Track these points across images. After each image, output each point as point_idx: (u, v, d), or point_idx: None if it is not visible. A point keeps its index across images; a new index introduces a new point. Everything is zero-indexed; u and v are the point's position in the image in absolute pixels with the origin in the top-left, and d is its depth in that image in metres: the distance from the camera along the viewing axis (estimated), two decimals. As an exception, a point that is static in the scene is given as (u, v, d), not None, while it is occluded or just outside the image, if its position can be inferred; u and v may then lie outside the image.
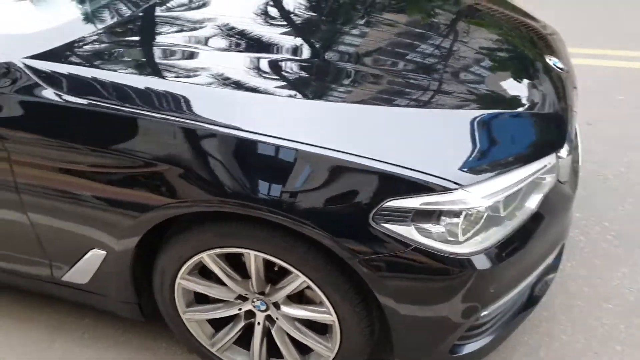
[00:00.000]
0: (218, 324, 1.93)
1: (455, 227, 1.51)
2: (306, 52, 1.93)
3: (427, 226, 1.50)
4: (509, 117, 1.76)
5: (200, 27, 2.04)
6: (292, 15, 2.20)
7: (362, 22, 2.19)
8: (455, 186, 1.49)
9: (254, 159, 1.54)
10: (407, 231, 1.49)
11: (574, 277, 2.34)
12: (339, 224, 1.50)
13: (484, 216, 1.55)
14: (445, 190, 1.48)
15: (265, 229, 1.59)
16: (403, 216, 1.48)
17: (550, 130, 1.79)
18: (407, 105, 1.70)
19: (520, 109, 1.80)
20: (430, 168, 1.50)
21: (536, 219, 1.68)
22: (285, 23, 2.15)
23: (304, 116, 1.62)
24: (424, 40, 2.07)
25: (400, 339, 1.68)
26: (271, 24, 2.10)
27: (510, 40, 2.20)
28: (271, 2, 2.27)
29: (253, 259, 1.66)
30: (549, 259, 1.84)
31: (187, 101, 1.63)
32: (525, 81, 1.96)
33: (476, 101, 1.79)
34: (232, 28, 2.02)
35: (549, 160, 1.68)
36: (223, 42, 1.94)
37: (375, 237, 1.49)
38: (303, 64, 1.86)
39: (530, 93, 1.90)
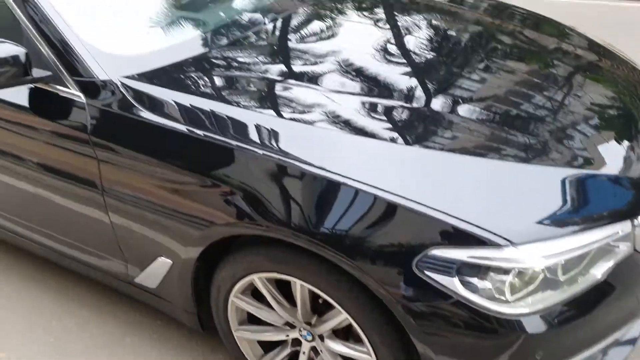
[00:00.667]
0: (267, 347, 1.96)
1: (503, 285, 1.45)
2: (416, 96, 1.91)
3: (473, 280, 1.45)
4: (584, 177, 1.65)
5: (315, 60, 2.10)
6: (411, 54, 2.21)
7: (480, 66, 2.15)
8: (506, 242, 1.43)
9: (314, 194, 1.57)
10: (450, 282, 1.44)
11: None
12: (382, 266, 1.50)
13: (539, 277, 1.47)
14: (495, 245, 1.43)
15: (313, 260, 1.61)
16: (448, 266, 1.44)
17: (629, 196, 1.66)
18: (483, 156, 1.67)
19: (599, 171, 1.69)
20: (483, 220, 1.45)
21: (603, 288, 1.56)
22: (403, 61, 2.16)
23: (380, 160, 1.63)
24: (536, 91, 2.00)
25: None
26: (389, 61, 2.13)
27: (622, 99, 2.06)
28: (393, 40, 2.30)
29: (299, 288, 1.69)
30: (619, 334, 1.69)
31: (276, 135, 1.70)
32: (620, 143, 1.84)
33: (557, 157, 1.70)
34: (350, 64, 2.06)
35: (622, 227, 1.56)
36: (335, 78, 1.98)
37: (417, 283, 1.46)
38: (409, 107, 1.86)
39: (619, 156, 1.78)
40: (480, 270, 1.44)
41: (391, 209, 1.49)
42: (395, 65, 2.11)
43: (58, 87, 1.92)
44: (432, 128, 1.79)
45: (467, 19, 2.61)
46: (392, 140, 1.69)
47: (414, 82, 2.00)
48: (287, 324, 1.84)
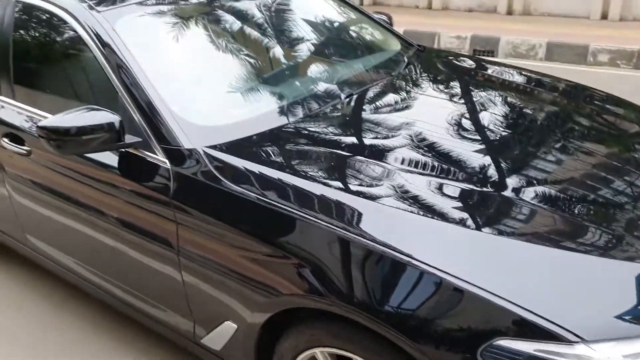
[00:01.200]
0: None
1: (570, 383, 1.41)
2: (488, 176, 1.92)
3: (540, 375, 1.42)
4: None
5: (388, 134, 2.16)
6: (485, 131, 2.23)
7: (556, 147, 2.14)
8: (578, 339, 1.39)
9: (379, 272, 1.60)
10: (515, 375, 1.42)
11: None
12: (445, 351, 1.49)
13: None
14: (566, 341, 1.40)
15: (375, 339, 1.61)
16: (514, 358, 1.42)
17: None
18: (557, 245, 1.65)
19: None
20: (553, 313, 1.43)
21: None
22: (476, 138, 2.18)
23: (449, 242, 1.64)
24: (614, 176, 1.98)
25: None
26: (462, 137, 2.15)
27: None
28: (467, 115, 2.34)
29: (362, 366, 1.69)
30: None
31: (345, 210, 1.75)
32: None
33: (638, 250, 1.66)
34: (422, 139, 2.11)
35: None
36: (407, 154, 2.02)
37: (480, 373, 1.44)
38: (481, 188, 1.86)
39: None
40: (547, 366, 1.41)
41: (457, 294, 1.49)
42: (468, 143, 2.13)
43: (146, 152, 2.06)
44: (504, 211, 1.79)
45: (544, 98, 2.62)
46: (462, 222, 1.70)
47: (487, 161, 2.01)
48: (348, 399, 1.83)
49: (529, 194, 1.84)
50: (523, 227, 1.74)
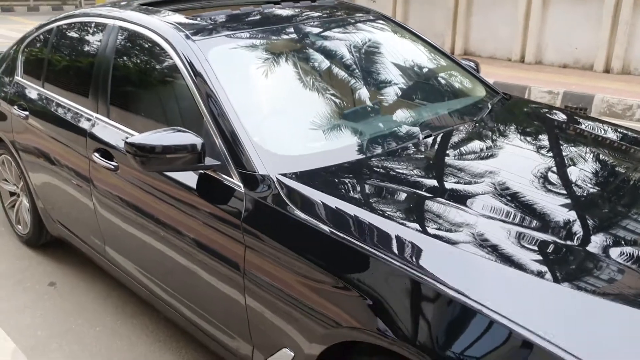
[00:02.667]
0: None
1: None
2: (570, 231, 1.84)
3: None
4: None
5: (470, 179, 2.12)
6: (572, 185, 2.16)
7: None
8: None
9: (446, 316, 1.56)
10: None
11: None
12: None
13: None
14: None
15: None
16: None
17: None
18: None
19: None
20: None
21: None
22: (563, 192, 2.11)
23: (523, 293, 1.58)
24: None
25: None
26: (547, 190, 2.09)
27: None
28: (554, 169, 2.27)
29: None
30: None
31: (416, 250, 1.73)
32: None
33: None
34: (506, 188, 2.06)
35: None
36: (491, 202, 1.97)
37: None
38: (562, 242, 1.78)
39: None
40: None
41: (527, 347, 1.43)
42: (554, 196, 2.05)
43: (223, 175, 2.13)
44: (585, 267, 1.70)
45: (638, 157, 2.50)
46: (538, 274, 1.64)
47: (572, 215, 1.92)
48: None
49: (613, 252, 1.75)
50: (603, 285, 1.65)
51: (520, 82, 7.90)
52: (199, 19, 2.68)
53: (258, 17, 2.85)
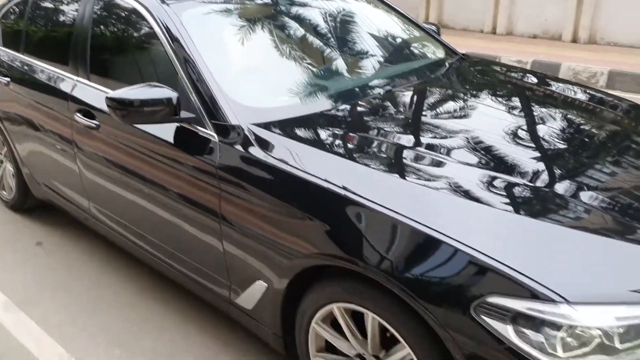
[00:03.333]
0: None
1: (555, 340, 1.54)
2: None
3: (527, 331, 1.56)
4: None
5: (427, 125, 2.37)
6: (540, 140, 2.33)
7: (609, 160, 2.23)
8: (561, 299, 1.53)
9: (396, 237, 1.78)
10: (503, 329, 1.56)
11: None
12: (444, 307, 1.65)
13: (594, 341, 1.54)
14: (550, 301, 1.54)
15: (385, 296, 1.79)
16: (503, 314, 1.57)
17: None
18: (555, 222, 1.80)
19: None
20: (542, 276, 1.57)
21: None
22: (532, 145, 2.28)
23: (458, 213, 1.81)
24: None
25: None
26: (518, 144, 2.26)
27: None
28: (524, 126, 2.47)
29: (371, 320, 1.87)
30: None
31: (372, 185, 1.93)
32: None
33: (624, 229, 1.79)
34: (458, 131, 2.27)
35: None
36: (441, 142, 2.20)
37: (473, 326, 1.60)
38: (489, 171, 2.01)
39: None
40: (535, 323, 1.55)
41: (456, 256, 1.65)
42: (525, 149, 2.23)
43: (198, 127, 2.32)
44: (505, 190, 1.93)
45: (604, 116, 2.71)
46: (486, 203, 1.84)
47: (538, 166, 2.09)
48: (359, 356, 2.01)
49: (527, 176, 1.99)
50: (521, 203, 1.89)
51: (491, 53, 8.10)
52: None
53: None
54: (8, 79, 3.47)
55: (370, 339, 1.92)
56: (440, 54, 3.22)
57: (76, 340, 2.69)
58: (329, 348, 2.12)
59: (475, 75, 3.12)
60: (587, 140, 2.38)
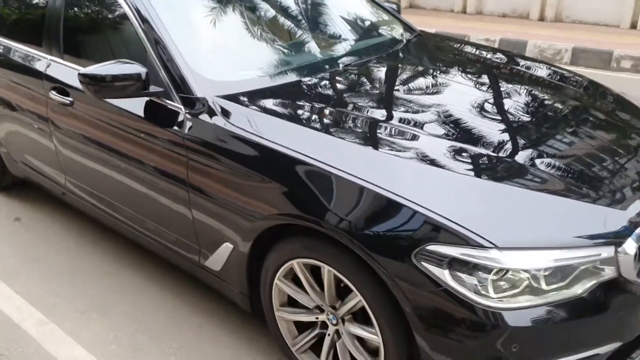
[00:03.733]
0: (300, 329, 2.32)
1: (486, 282, 1.73)
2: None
3: (462, 275, 1.75)
4: (578, 203, 1.94)
5: (382, 96, 2.58)
6: (507, 114, 2.52)
7: (568, 130, 2.41)
8: (491, 245, 1.72)
9: (346, 195, 1.96)
10: (441, 273, 1.76)
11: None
12: (389, 256, 1.83)
13: (524, 283, 1.75)
14: (482, 247, 1.73)
15: (338, 249, 1.97)
16: (440, 260, 1.76)
17: (615, 225, 1.89)
18: (490, 178, 2.02)
19: (600, 202, 1.97)
20: (476, 226, 1.76)
21: (584, 305, 1.80)
22: (498, 118, 2.49)
23: (396, 169, 2.01)
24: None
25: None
26: (485, 117, 2.46)
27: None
28: (491, 100, 2.66)
29: (327, 272, 2.05)
30: (597, 351, 1.88)
31: (325, 149, 2.11)
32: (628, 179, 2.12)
33: (559, 186, 2.00)
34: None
35: (604, 251, 1.80)
36: (392, 112, 2.42)
37: (415, 272, 1.79)
38: (427, 132, 2.23)
39: (625, 191, 2.05)
40: (468, 267, 1.74)
41: (402, 212, 1.84)
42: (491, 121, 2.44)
43: (166, 100, 2.46)
44: (446, 152, 2.12)
45: (566, 92, 2.88)
46: (421, 159, 2.06)
47: (502, 137, 2.28)
48: (318, 307, 2.19)
49: (461, 136, 2.22)
50: (460, 163, 2.08)
51: (460, 32, 8.29)
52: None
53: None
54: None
55: (327, 290, 2.10)
56: (398, 31, 3.38)
57: (56, 307, 2.84)
58: (291, 302, 2.30)
59: (428, 50, 3.32)
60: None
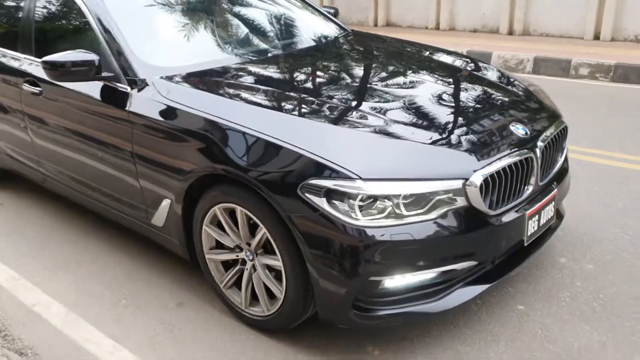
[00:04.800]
0: (227, 268, 2.73)
1: (354, 206, 2.16)
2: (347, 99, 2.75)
3: (336, 202, 2.18)
4: (434, 147, 2.39)
5: (310, 81, 3.08)
6: (391, 83, 2.89)
7: (435, 93, 2.92)
8: (356, 177, 2.16)
9: (249, 148, 2.40)
10: (320, 201, 2.19)
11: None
12: (281, 193, 2.27)
13: (387, 209, 2.18)
14: (349, 178, 2.16)
15: (247, 192, 2.40)
16: (319, 191, 2.19)
17: (463, 163, 2.33)
18: (357, 127, 2.49)
19: (455, 146, 2.41)
20: (346, 163, 2.20)
21: (437, 226, 2.23)
22: (382, 86, 3.04)
23: (285, 123, 2.48)
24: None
25: (318, 295, 2.30)
26: (371, 85, 3.01)
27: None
28: (380, 73, 3.03)
29: (240, 213, 2.48)
30: (455, 266, 2.30)
31: (239, 112, 2.57)
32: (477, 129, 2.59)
33: (419, 135, 2.46)
34: (335, 84, 3.01)
35: (453, 184, 2.24)
36: (312, 91, 2.92)
37: (299, 202, 2.22)
38: (308, 97, 2.71)
39: (475, 137, 2.51)
40: (340, 195, 2.17)
41: (289, 155, 2.28)
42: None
43: (117, 83, 2.92)
44: (314, 108, 2.60)
45: (441, 66, 3.42)
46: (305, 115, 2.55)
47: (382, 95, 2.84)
48: (237, 247, 2.61)
49: (342, 97, 2.76)
50: (330, 115, 2.58)
51: (429, 45, 8.78)
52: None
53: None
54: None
55: (241, 228, 2.52)
56: (331, 29, 3.87)
57: (26, 266, 3.28)
58: (218, 246, 2.72)
59: (355, 43, 3.84)
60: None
